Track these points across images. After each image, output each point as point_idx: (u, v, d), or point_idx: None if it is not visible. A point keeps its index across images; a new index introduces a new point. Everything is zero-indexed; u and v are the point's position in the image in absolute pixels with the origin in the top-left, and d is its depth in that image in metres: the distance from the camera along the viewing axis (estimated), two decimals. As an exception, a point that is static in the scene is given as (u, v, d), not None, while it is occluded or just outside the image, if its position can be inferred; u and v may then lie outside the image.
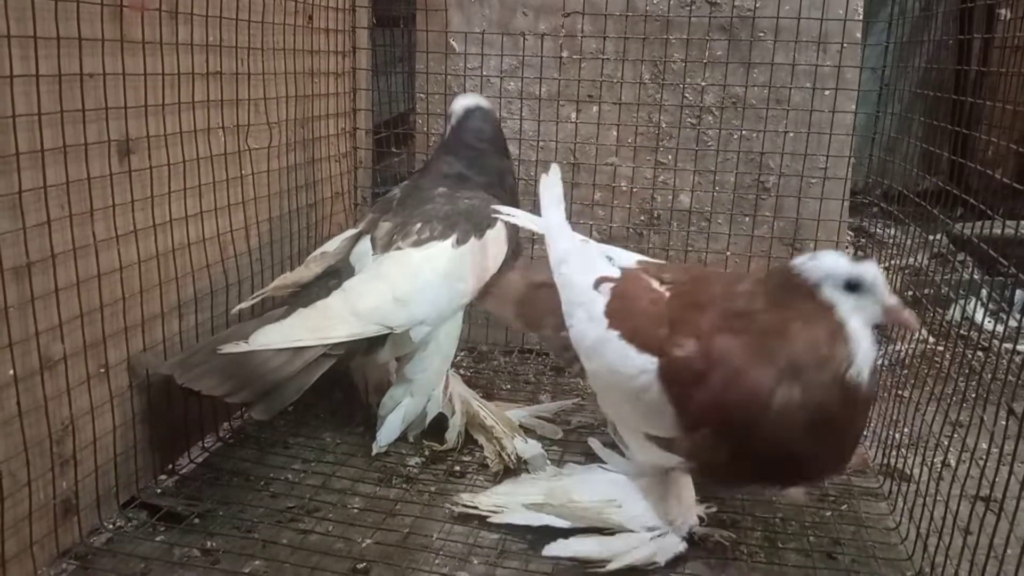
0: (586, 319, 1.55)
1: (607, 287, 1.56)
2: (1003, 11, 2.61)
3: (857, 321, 1.29)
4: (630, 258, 1.69)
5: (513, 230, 1.94)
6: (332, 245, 1.85)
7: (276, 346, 1.58)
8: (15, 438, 1.32)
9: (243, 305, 1.77)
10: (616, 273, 1.60)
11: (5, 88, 1.24)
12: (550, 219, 1.74)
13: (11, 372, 1.31)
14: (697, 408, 1.33)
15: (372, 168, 2.52)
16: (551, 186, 1.77)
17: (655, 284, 1.54)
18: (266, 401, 1.56)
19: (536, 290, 1.74)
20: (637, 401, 1.43)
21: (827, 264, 1.31)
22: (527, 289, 1.78)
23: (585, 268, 1.62)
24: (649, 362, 1.39)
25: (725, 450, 1.33)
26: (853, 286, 1.29)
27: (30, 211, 1.30)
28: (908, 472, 1.72)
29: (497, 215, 1.88)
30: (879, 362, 1.29)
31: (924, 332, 2.29)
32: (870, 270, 1.30)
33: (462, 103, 2.04)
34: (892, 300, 1.31)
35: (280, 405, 1.58)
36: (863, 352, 1.27)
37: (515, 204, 2.00)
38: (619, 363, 1.44)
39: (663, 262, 1.83)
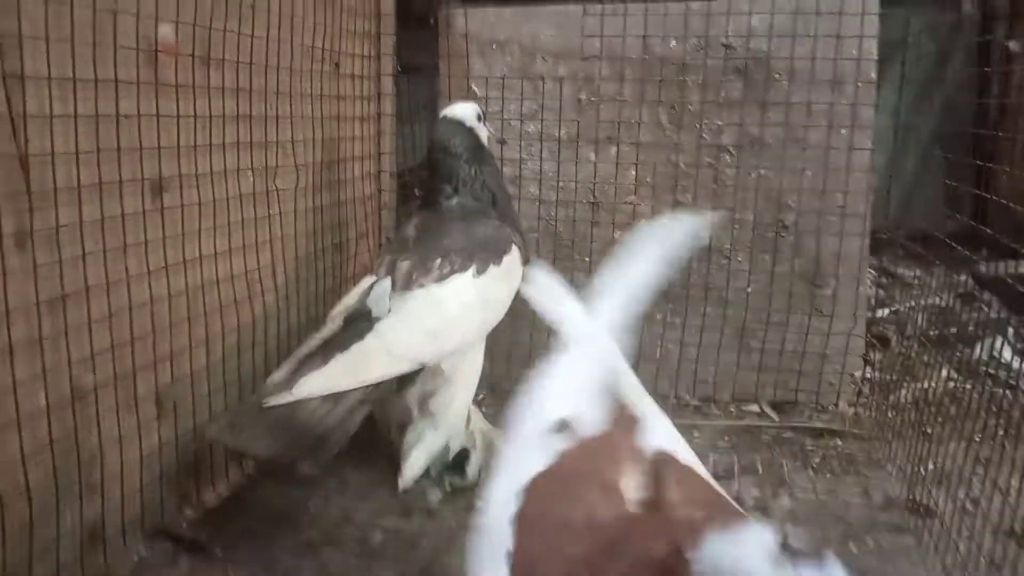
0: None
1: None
2: (1011, 43, 2.63)
3: None
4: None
5: (524, 246, 1.98)
6: (352, 298, 1.84)
7: (321, 393, 1.57)
8: (46, 466, 1.35)
9: (278, 374, 1.65)
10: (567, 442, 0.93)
11: (45, 127, 1.30)
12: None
13: (43, 401, 1.34)
14: None
15: (396, 210, 2.57)
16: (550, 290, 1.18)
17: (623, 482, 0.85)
18: (315, 454, 1.56)
19: None
20: None
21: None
22: None
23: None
24: None
25: None
26: None
27: (66, 245, 1.35)
28: (934, 507, 1.70)
29: (512, 241, 1.90)
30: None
31: (949, 370, 2.27)
32: None
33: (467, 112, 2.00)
34: None
35: (328, 455, 1.57)
36: None
37: (515, 220, 2.03)
38: None
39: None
